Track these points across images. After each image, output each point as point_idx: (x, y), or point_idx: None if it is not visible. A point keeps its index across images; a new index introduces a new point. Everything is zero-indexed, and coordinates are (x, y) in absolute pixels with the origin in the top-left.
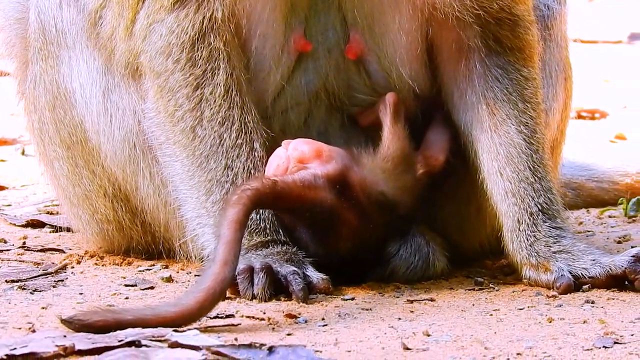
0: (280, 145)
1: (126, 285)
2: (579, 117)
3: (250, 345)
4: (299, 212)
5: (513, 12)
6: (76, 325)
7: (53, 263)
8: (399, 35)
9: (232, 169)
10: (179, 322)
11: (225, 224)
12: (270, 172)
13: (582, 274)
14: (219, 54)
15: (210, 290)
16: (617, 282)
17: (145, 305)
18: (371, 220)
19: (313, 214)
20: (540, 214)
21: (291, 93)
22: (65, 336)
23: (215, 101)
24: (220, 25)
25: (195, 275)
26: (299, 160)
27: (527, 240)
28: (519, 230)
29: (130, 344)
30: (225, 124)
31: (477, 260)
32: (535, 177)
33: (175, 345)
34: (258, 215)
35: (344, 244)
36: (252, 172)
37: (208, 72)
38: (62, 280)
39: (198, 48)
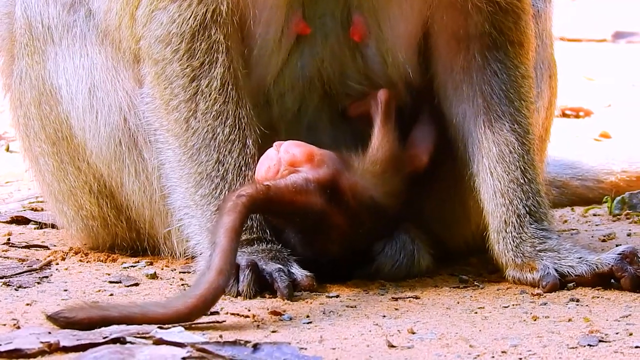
0: (276, 138)
1: (111, 282)
2: (564, 115)
3: (235, 343)
4: (289, 216)
5: None
6: (62, 321)
7: (38, 259)
8: (400, 20)
9: (223, 164)
10: (166, 323)
11: (221, 232)
12: (261, 174)
13: (569, 272)
14: (219, 47)
15: (202, 297)
16: (603, 280)
17: (131, 302)
18: (360, 224)
19: (303, 217)
20: (528, 216)
21: (288, 76)
22: (50, 333)
23: (210, 94)
24: (224, 17)
25: (180, 272)
26: (290, 163)
27: (513, 241)
28: (506, 231)
29: (114, 340)
30: (220, 118)
31: (461, 257)
32: (525, 179)
33: (160, 342)
34: None
35: (333, 246)
36: (243, 168)
37: (206, 65)
38: (47, 277)
39: (198, 39)
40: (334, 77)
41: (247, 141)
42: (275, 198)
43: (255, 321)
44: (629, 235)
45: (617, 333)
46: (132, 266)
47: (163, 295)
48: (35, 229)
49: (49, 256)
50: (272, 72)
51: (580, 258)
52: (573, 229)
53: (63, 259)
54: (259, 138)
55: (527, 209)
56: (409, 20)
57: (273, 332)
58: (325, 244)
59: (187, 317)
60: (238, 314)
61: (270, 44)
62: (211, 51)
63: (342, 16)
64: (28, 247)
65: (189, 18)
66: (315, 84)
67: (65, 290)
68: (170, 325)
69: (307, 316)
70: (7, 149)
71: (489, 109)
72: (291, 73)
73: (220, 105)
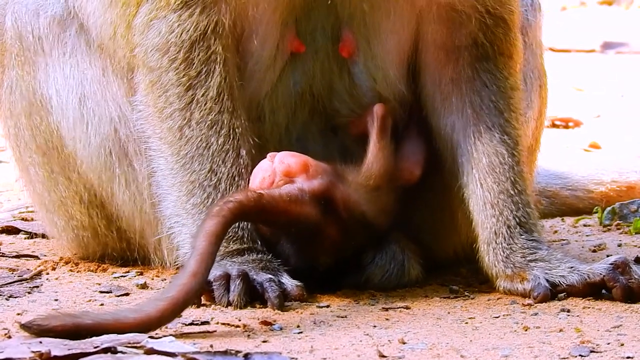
0: (267, 151)
1: (101, 292)
2: (553, 125)
3: (225, 352)
4: (281, 226)
5: (510, 9)
6: (35, 329)
7: (28, 269)
8: (390, 34)
9: (216, 174)
10: (137, 328)
11: (201, 235)
12: (255, 185)
13: (560, 282)
14: (217, 57)
15: (174, 300)
16: (594, 290)
17: (109, 310)
18: (352, 236)
19: (295, 227)
20: (518, 227)
21: (281, 92)
22: (41, 342)
23: (206, 104)
24: (225, 30)
25: (170, 282)
26: (285, 173)
27: (503, 252)
28: (496, 242)
29: (106, 350)
30: (214, 127)
31: (451, 267)
32: (515, 190)
33: (151, 351)
34: (236, 223)
35: (324, 257)
36: (236, 178)
37: (203, 74)
38: (38, 287)
39: (196, 49)
40: (323, 93)
41: (241, 151)
42: (268, 207)
43: (246, 331)
44: (619, 245)
45: (608, 343)
46: (122, 276)
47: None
48: (25, 238)
49: (39, 266)
50: (265, 88)
51: (571, 268)
52: (563, 240)
53: (54, 268)
54: (252, 149)
55: (517, 219)
56: (399, 35)
57: (264, 342)
58: (317, 254)
59: (158, 321)
60: (229, 324)
61: (265, 60)
62: (209, 61)
63: (333, 32)
64: (18, 256)
65: (190, 28)
66: (306, 99)
67: (56, 300)
68: (161, 335)
69: (298, 326)
70: None
71: (478, 120)
72: (284, 90)
73: (215, 115)
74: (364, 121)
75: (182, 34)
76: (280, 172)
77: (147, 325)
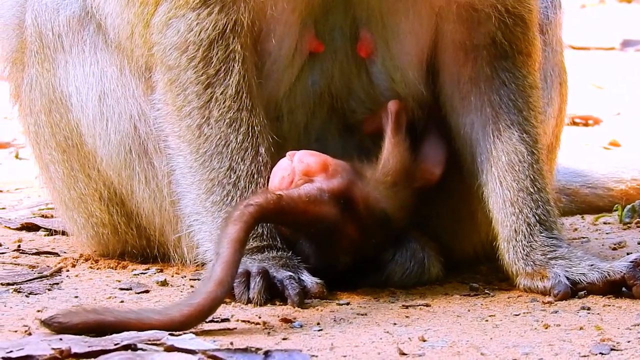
0: (286, 149)
1: (121, 289)
2: (573, 123)
3: (246, 350)
4: (301, 226)
5: (529, 7)
6: (56, 326)
7: (48, 266)
8: (409, 34)
9: (235, 172)
10: (160, 330)
11: (225, 242)
12: (274, 184)
13: (580, 280)
14: (235, 56)
15: (199, 306)
16: (614, 288)
17: (133, 308)
18: (372, 234)
19: (315, 227)
20: (538, 224)
21: (299, 92)
22: (61, 339)
23: (225, 102)
24: (243, 28)
25: (191, 279)
26: (304, 172)
27: (524, 250)
28: (516, 240)
29: (126, 347)
30: (233, 125)
31: (471, 265)
32: (535, 188)
33: (171, 349)
34: None
35: (344, 256)
36: (256, 176)
37: (221, 73)
38: (57, 284)
39: (215, 48)
40: (342, 92)
41: (260, 149)
42: (287, 208)
43: (266, 328)
44: (639, 243)
45: (628, 341)
46: (142, 273)
47: (173, 302)
48: (45, 235)
49: (59, 263)
50: (284, 87)
51: (591, 265)
52: (583, 237)
53: (73, 265)
54: (271, 146)
55: (537, 217)
56: (417, 34)
57: (284, 339)
58: (336, 254)
59: (181, 326)
60: (249, 321)
61: (284, 59)
62: (228, 60)
63: (351, 32)
64: (38, 253)
65: (209, 27)
66: (325, 98)
67: (76, 297)
68: (181, 332)
69: (318, 323)
70: (17, 156)
71: (497, 118)
72: (302, 89)
73: (234, 113)
74: (378, 118)
75: (200, 32)
76: (299, 172)
77: (170, 329)
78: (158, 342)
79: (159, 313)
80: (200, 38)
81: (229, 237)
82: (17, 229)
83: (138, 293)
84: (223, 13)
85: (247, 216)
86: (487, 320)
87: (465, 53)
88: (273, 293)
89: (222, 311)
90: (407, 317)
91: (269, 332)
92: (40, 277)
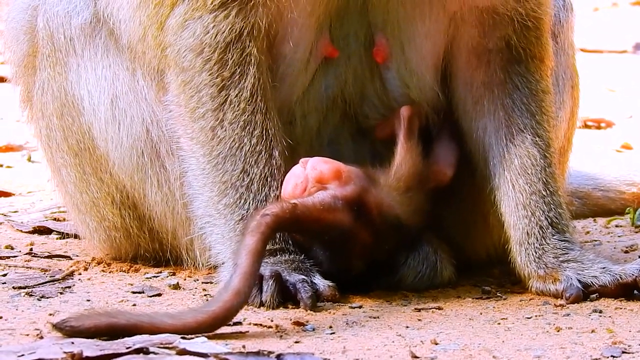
0: (300, 155)
1: (133, 292)
2: (585, 126)
3: (258, 353)
4: (315, 234)
5: (546, 10)
6: (68, 330)
7: (60, 270)
8: (425, 39)
9: (249, 174)
10: (173, 334)
11: (243, 253)
12: (288, 191)
13: (592, 282)
14: (251, 59)
15: (215, 314)
16: (627, 291)
17: (145, 312)
18: (385, 240)
19: (329, 234)
20: (550, 227)
21: (313, 97)
22: (72, 343)
23: (239, 104)
24: (260, 32)
25: (203, 283)
26: (317, 180)
27: (536, 253)
28: (528, 243)
29: (138, 350)
30: (247, 128)
31: (483, 268)
32: (547, 191)
33: (183, 352)
34: None
35: (357, 262)
36: (269, 179)
37: (236, 75)
38: (70, 287)
39: (231, 50)
40: (355, 98)
41: (274, 152)
42: (302, 216)
43: (278, 331)
44: None
45: None
46: (154, 276)
47: (185, 305)
48: (57, 239)
49: (71, 266)
50: (297, 92)
51: (603, 268)
52: (595, 240)
53: (86, 269)
54: (285, 150)
55: (549, 220)
56: (433, 39)
57: (296, 342)
58: (350, 260)
59: (194, 332)
60: (261, 324)
61: (298, 64)
62: (243, 62)
63: (366, 37)
64: (50, 257)
65: (225, 30)
66: (338, 103)
67: (88, 300)
68: (193, 336)
69: (330, 327)
70: (29, 159)
71: (510, 122)
72: (316, 94)
73: (248, 116)
74: (391, 123)
75: (217, 35)
76: (312, 179)
77: (183, 334)
78: (170, 346)
79: (173, 317)
80: (217, 40)
81: (247, 249)
82: (30, 232)
83: (150, 296)
84: (240, 16)
85: (264, 227)
86: (499, 323)
87: (478, 57)
88: (285, 296)
89: None
90: (419, 320)
91: (281, 336)
92: (52, 281)
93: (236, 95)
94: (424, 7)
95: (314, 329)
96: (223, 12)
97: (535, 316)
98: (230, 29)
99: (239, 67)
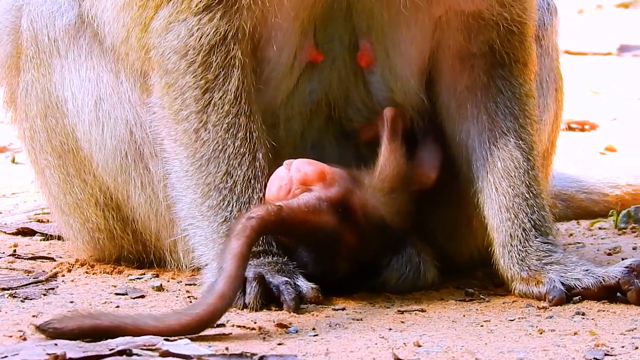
0: (283, 157)
1: (117, 294)
2: (569, 128)
3: (241, 355)
4: (300, 235)
5: (531, 15)
6: (51, 332)
7: (44, 271)
8: (410, 45)
9: (232, 177)
10: (156, 336)
11: (228, 257)
12: (272, 193)
13: (575, 285)
14: (235, 62)
15: (198, 317)
16: (609, 293)
17: (129, 314)
18: (370, 241)
19: (314, 236)
20: (533, 229)
21: (297, 101)
22: (56, 344)
23: (223, 107)
24: (244, 35)
25: (186, 284)
26: (302, 182)
27: (519, 255)
28: (511, 245)
29: (121, 352)
30: (231, 130)
31: (467, 270)
32: (530, 194)
33: (166, 354)
34: None
35: (342, 264)
36: (252, 181)
37: (220, 78)
38: (53, 289)
39: (215, 53)
40: (339, 101)
41: (257, 154)
42: (287, 218)
43: (262, 333)
44: (634, 249)
45: (622, 347)
46: (138, 278)
47: (169, 307)
48: (41, 240)
49: (55, 268)
50: (282, 95)
51: (586, 270)
52: (579, 243)
53: (69, 270)
54: (269, 152)
55: (532, 222)
56: (418, 44)
57: (279, 344)
58: (335, 262)
59: (177, 334)
60: (244, 326)
61: (282, 68)
62: (227, 65)
63: (350, 41)
64: (34, 258)
65: (210, 32)
66: (322, 107)
67: (72, 302)
68: (176, 337)
69: (313, 329)
70: (13, 161)
71: (493, 125)
72: (300, 98)
73: (232, 118)
74: (375, 126)
75: (201, 37)
76: (297, 181)
77: (166, 336)
78: (153, 348)
79: (157, 319)
80: (201, 43)
81: (232, 252)
82: (13, 233)
83: (134, 298)
84: (225, 19)
85: (249, 230)
86: (482, 326)
87: (462, 61)
88: (269, 298)
89: None
90: (402, 322)
91: (264, 338)
92: (36, 282)
93: (220, 98)
94: (409, 13)
95: (297, 331)
96: (207, 15)
97: (518, 318)
98: (214, 31)
99: (223, 70)
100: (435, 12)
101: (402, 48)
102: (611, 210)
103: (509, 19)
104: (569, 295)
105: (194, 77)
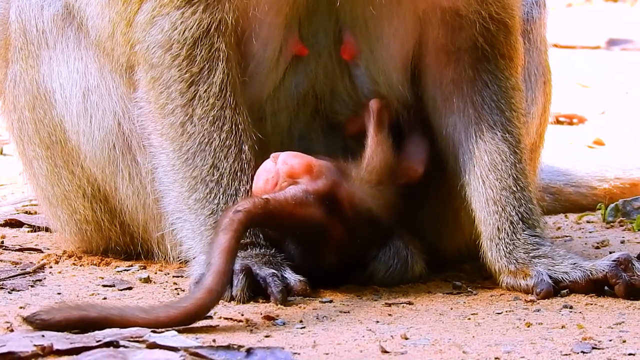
0: (270, 150)
1: (104, 286)
2: (557, 122)
3: (228, 347)
4: (288, 228)
5: (512, 13)
6: (38, 323)
7: (31, 263)
8: (393, 38)
9: (219, 169)
10: (143, 327)
11: (216, 252)
12: (259, 186)
13: (563, 278)
14: (220, 55)
15: (186, 311)
16: (597, 286)
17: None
18: (358, 234)
19: (302, 229)
20: (521, 222)
21: (283, 95)
22: (43, 336)
23: (208, 99)
24: (227, 27)
25: (174, 277)
26: (288, 175)
27: (506, 248)
28: (499, 238)
29: (108, 344)
30: (216, 123)
31: (455, 263)
32: (518, 187)
33: (153, 346)
34: None
35: (330, 256)
36: (239, 174)
37: (205, 71)
38: (40, 280)
39: (199, 46)
40: (325, 94)
41: (243, 147)
42: (274, 211)
43: (249, 326)
44: (622, 242)
45: (610, 340)
46: (125, 270)
47: (156, 299)
48: (29, 232)
49: (42, 259)
50: (268, 89)
51: (574, 264)
52: (567, 236)
53: (57, 262)
54: (255, 144)
55: (519, 215)
56: (401, 38)
57: (266, 336)
58: (323, 255)
59: (166, 326)
60: (231, 319)
61: (268, 62)
62: (212, 58)
63: (335, 34)
64: (22, 250)
65: (193, 26)
66: (308, 100)
67: (59, 293)
68: (163, 329)
69: (301, 321)
70: (1, 152)
71: (480, 119)
72: (286, 92)
73: (217, 111)
74: (361, 118)
75: (185, 31)
76: (283, 174)
77: (154, 328)
78: (140, 339)
79: (144, 311)
80: (185, 37)
81: (220, 247)
82: (1, 225)
83: (121, 290)
84: (207, 12)
85: (236, 224)
86: (469, 319)
87: (447, 56)
88: (256, 290)
89: None
90: (389, 315)
91: (251, 330)
92: (23, 274)
93: (205, 91)
94: (391, 7)
95: (284, 323)
96: (190, 9)
97: (506, 311)
98: (197, 24)
99: (207, 63)
100: (416, 7)
101: (385, 42)
102: (599, 204)
103: (487, 17)
104: (557, 289)
105: (178, 70)
